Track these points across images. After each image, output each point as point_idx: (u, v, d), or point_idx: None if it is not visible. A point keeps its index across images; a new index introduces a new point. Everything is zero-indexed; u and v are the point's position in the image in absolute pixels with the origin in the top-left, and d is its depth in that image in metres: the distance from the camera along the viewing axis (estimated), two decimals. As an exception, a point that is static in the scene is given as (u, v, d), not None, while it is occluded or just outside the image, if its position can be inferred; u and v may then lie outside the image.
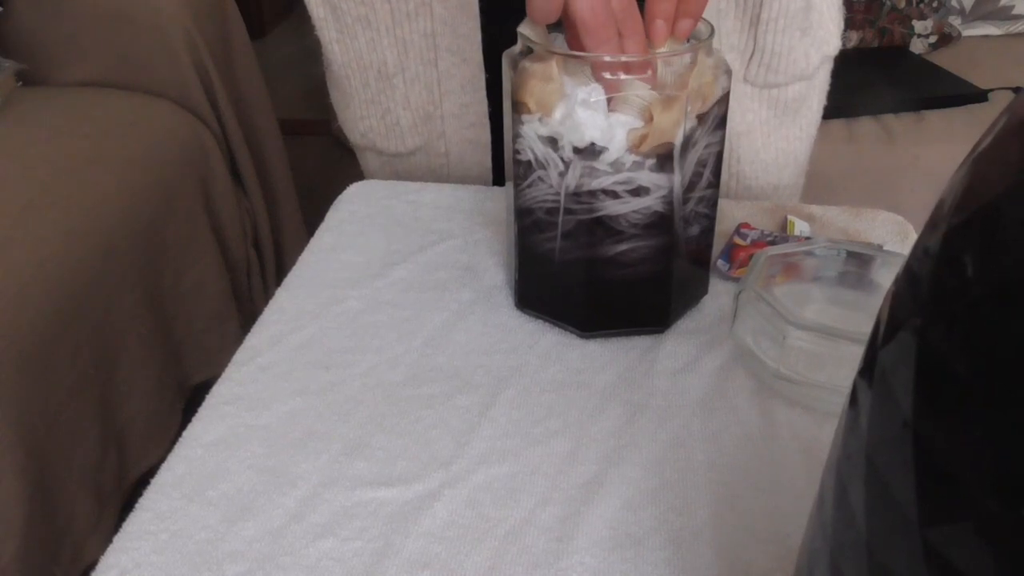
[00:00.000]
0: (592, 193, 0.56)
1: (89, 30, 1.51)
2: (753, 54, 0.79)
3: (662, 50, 0.55)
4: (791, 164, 0.88)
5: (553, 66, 0.55)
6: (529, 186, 0.59)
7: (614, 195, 0.57)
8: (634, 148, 0.55)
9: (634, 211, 0.57)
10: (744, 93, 0.82)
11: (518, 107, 0.57)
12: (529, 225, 0.61)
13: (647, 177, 0.56)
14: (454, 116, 0.84)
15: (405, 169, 0.89)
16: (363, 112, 0.86)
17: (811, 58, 0.81)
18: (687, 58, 0.55)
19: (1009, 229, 0.20)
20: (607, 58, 0.56)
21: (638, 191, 0.56)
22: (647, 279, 0.60)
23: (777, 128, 0.84)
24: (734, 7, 0.77)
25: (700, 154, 0.58)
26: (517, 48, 0.59)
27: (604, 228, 0.58)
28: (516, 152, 0.59)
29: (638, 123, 0.55)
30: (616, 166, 0.56)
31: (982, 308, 0.20)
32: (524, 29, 0.57)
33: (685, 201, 0.58)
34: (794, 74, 0.81)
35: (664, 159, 0.56)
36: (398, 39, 0.80)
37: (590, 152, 0.55)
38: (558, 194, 0.58)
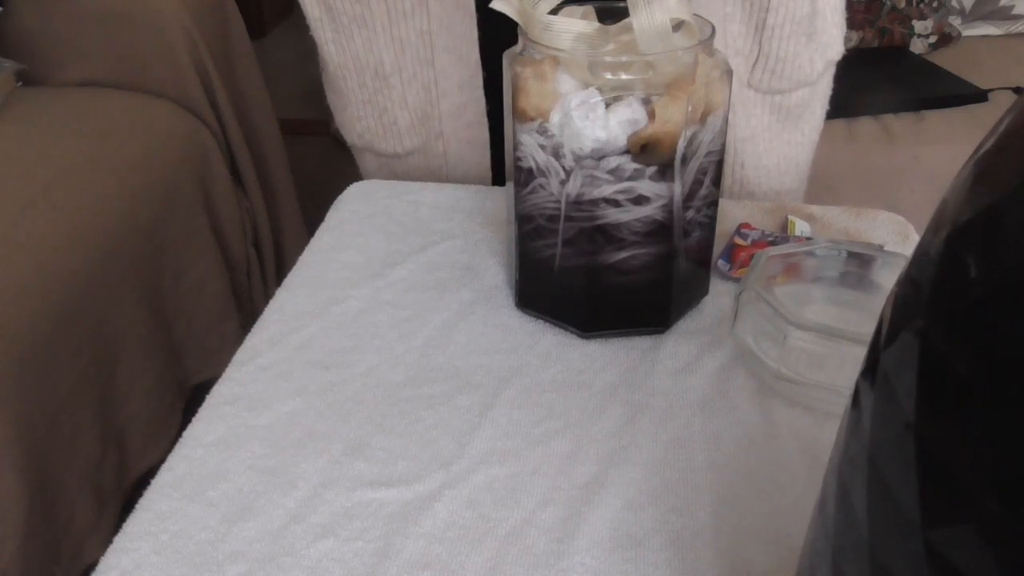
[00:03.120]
0: (593, 201, 0.56)
1: (89, 30, 1.51)
2: (758, 60, 0.79)
3: (656, 50, 0.55)
4: (793, 169, 0.88)
5: (546, 67, 0.55)
6: (530, 193, 0.59)
7: (615, 203, 0.57)
8: (634, 148, 0.55)
9: (635, 219, 0.57)
10: (747, 98, 0.81)
11: (517, 114, 0.57)
12: (529, 231, 0.61)
13: (648, 186, 0.56)
14: (452, 116, 0.83)
15: (403, 170, 0.89)
16: (360, 113, 0.86)
17: (816, 64, 0.81)
18: (689, 57, 0.55)
19: (1012, 231, 0.20)
20: (608, 58, 0.56)
21: (639, 200, 0.56)
22: (647, 284, 0.60)
23: (779, 133, 0.84)
24: (740, 11, 0.76)
25: (701, 163, 0.58)
26: (518, 48, 0.59)
27: (605, 236, 0.58)
28: (517, 159, 0.59)
29: (639, 116, 0.54)
30: (617, 174, 0.56)
31: (985, 309, 0.20)
32: (499, 5, 0.57)
33: (685, 209, 0.58)
34: (799, 80, 0.81)
35: (665, 168, 0.56)
36: (394, 38, 0.80)
37: (592, 156, 0.55)
38: (559, 201, 0.58)
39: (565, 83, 0.55)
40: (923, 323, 0.22)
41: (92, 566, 0.48)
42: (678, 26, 0.56)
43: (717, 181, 0.60)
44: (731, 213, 0.75)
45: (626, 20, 0.57)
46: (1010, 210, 0.20)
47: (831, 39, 0.82)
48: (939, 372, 0.21)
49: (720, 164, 0.60)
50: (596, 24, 0.58)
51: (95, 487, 1.14)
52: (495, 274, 0.69)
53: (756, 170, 0.85)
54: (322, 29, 0.82)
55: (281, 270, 1.69)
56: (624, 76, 0.55)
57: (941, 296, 0.22)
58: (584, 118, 0.54)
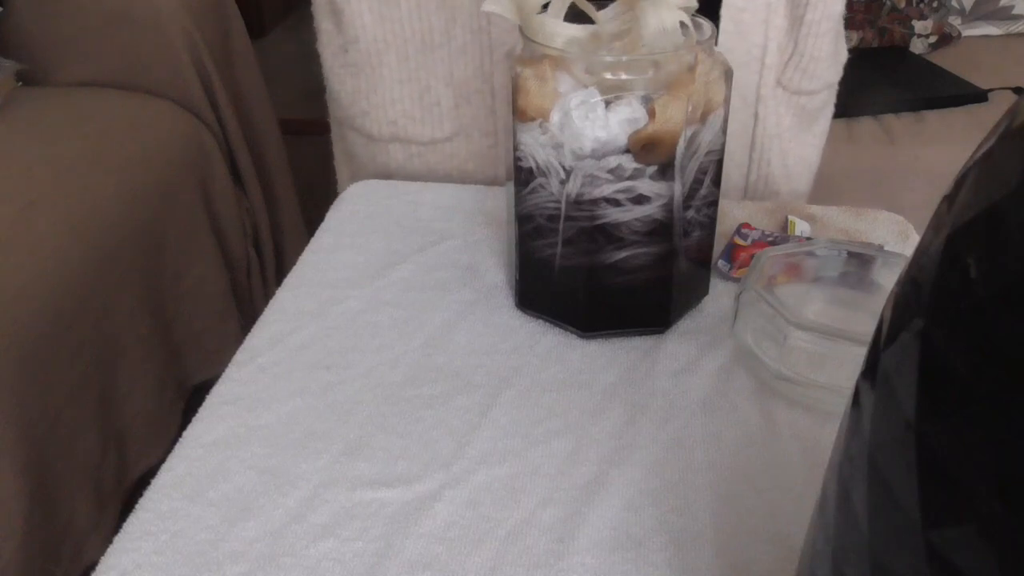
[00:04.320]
0: (594, 201, 0.56)
1: (89, 30, 1.51)
2: (791, 57, 0.78)
3: (663, 50, 0.55)
4: (806, 171, 0.87)
5: (546, 68, 0.55)
6: (530, 192, 0.59)
7: (615, 203, 0.57)
8: (634, 147, 0.55)
9: (635, 219, 0.57)
10: (777, 96, 0.81)
11: (517, 114, 0.57)
12: (530, 231, 0.61)
13: (648, 186, 0.56)
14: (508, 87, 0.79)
15: (438, 160, 0.82)
16: (396, 94, 0.79)
17: (839, 65, 0.80)
18: (689, 57, 0.55)
19: (1013, 231, 0.20)
20: (608, 58, 0.56)
21: (639, 199, 0.56)
22: (647, 284, 0.60)
23: (798, 134, 0.83)
24: (784, 3, 0.75)
25: (701, 162, 0.58)
26: (517, 47, 0.59)
27: (605, 235, 0.58)
28: (517, 159, 0.58)
29: (639, 115, 0.54)
30: (617, 173, 0.56)
31: (985, 310, 0.20)
32: (490, 6, 0.56)
33: (685, 209, 0.58)
34: (826, 81, 0.80)
35: (665, 167, 0.56)
36: (446, 4, 0.73)
37: (592, 155, 0.55)
38: (559, 201, 0.57)
39: (565, 83, 0.55)
40: (923, 323, 0.22)
41: (92, 566, 0.48)
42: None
43: (717, 181, 0.60)
44: (731, 213, 0.75)
45: (619, 23, 0.57)
46: (1010, 210, 0.20)
47: (843, 40, 0.81)
48: (940, 372, 0.21)
49: (720, 164, 0.60)
50: (589, 27, 0.58)
51: (95, 487, 1.14)
52: (495, 274, 0.69)
53: (780, 168, 0.84)
54: None
55: (281, 270, 1.69)
56: (624, 76, 0.55)
57: (942, 296, 0.22)
58: (584, 118, 0.54)
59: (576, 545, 0.47)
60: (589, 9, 0.58)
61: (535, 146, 0.57)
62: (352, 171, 0.91)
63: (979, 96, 1.77)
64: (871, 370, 0.25)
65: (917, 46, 1.96)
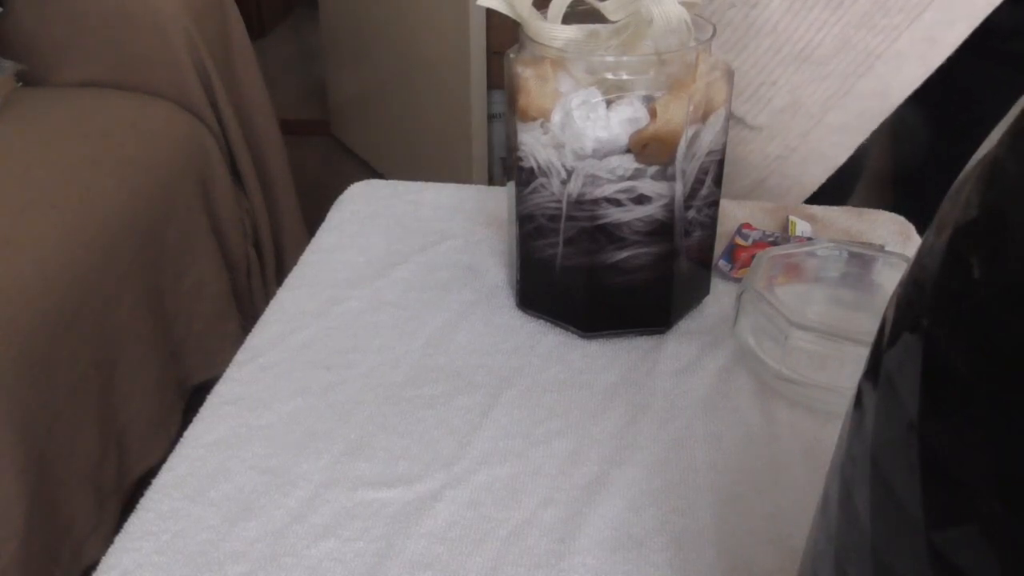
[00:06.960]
0: (595, 201, 0.56)
1: (89, 30, 1.51)
2: None
3: (663, 50, 0.55)
4: None
5: (547, 68, 0.55)
6: (531, 192, 0.59)
7: (616, 203, 0.56)
8: (635, 147, 0.55)
9: (636, 219, 0.57)
10: None
11: (519, 114, 0.57)
12: (531, 231, 0.61)
13: (649, 185, 0.56)
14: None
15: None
16: None
17: None
18: (690, 57, 0.55)
19: (1015, 231, 0.20)
20: (609, 58, 0.56)
21: (640, 199, 0.56)
22: (648, 284, 0.60)
23: None
24: None
25: (702, 162, 0.58)
26: (517, 46, 0.59)
27: (606, 235, 0.58)
28: (518, 159, 0.58)
29: (641, 115, 0.54)
30: (618, 173, 0.56)
31: (987, 310, 0.20)
32: (487, 0, 0.56)
33: (686, 209, 0.58)
34: None
35: (666, 167, 0.56)
36: None
37: (593, 155, 0.55)
38: (560, 201, 0.57)
39: (566, 82, 0.55)
40: (926, 324, 0.22)
41: (92, 566, 0.48)
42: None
43: (718, 181, 0.60)
44: (732, 213, 0.75)
45: (617, 23, 0.57)
46: (1013, 211, 0.20)
47: None
48: (942, 373, 0.21)
49: (721, 163, 0.60)
50: (588, 27, 0.58)
51: (95, 487, 1.14)
52: (496, 274, 0.69)
53: None
54: None
55: (281, 270, 1.69)
56: (625, 75, 0.55)
57: (944, 297, 0.22)
58: (585, 118, 0.54)
59: (577, 545, 0.47)
60: (595, 3, 0.58)
61: (536, 146, 0.57)
62: None
63: (979, 96, 1.77)
64: (873, 370, 0.25)
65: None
